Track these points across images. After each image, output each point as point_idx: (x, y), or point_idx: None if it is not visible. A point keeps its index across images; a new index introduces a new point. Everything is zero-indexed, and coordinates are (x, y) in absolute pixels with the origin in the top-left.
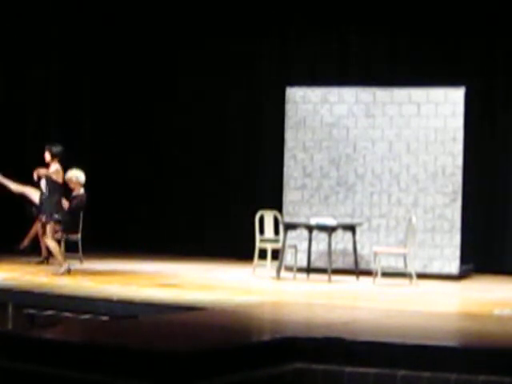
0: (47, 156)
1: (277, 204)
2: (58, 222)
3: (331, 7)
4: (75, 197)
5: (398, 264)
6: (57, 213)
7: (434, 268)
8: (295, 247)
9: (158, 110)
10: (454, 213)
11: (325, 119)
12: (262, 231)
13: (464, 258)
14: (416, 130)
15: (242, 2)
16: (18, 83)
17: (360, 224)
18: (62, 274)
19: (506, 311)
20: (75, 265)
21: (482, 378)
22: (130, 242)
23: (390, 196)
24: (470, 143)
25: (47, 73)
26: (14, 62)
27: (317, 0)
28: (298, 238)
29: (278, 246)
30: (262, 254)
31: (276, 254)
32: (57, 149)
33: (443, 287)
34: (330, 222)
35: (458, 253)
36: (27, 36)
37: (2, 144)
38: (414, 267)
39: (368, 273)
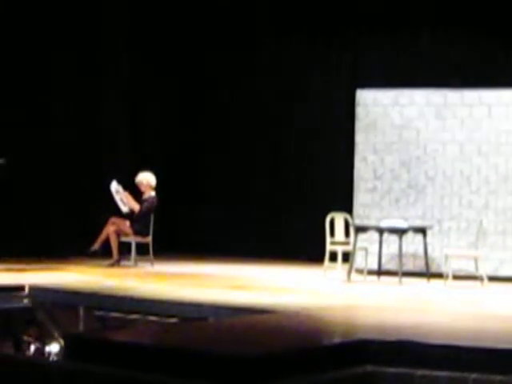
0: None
1: (347, 206)
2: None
3: (402, 8)
4: (146, 199)
5: (469, 267)
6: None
7: (505, 271)
8: (366, 250)
9: (232, 108)
10: None
11: (395, 121)
12: (332, 234)
13: None
14: (487, 132)
15: (315, 3)
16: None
17: (431, 226)
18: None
19: None
20: (146, 267)
21: None
22: (202, 244)
23: (460, 198)
24: None
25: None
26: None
27: (388, 1)
28: (368, 240)
29: (349, 248)
30: (333, 257)
31: (346, 257)
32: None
33: None
34: (401, 224)
35: None
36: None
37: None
38: (485, 270)
39: (439, 275)
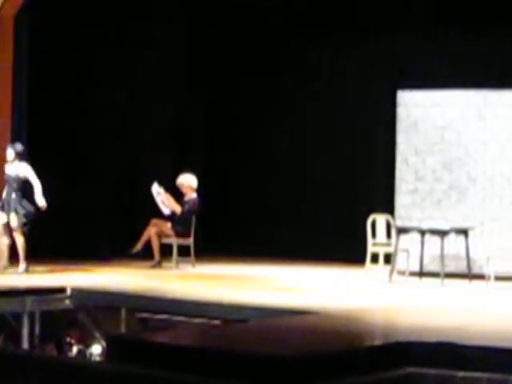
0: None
1: (389, 208)
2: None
3: (442, 8)
4: (187, 201)
5: (510, 268)
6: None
7: None
8: (407, 251)
9: (272, 108)
10: None
11: (436, 122)
12: (374, 235)
13: None
14: None
15: (353, 3)
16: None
17: (472, 227)
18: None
19: None
20: (187, 269)
21: None
22: (243, 245)
23: (502, 199)
24: None
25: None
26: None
27: (429, 1)
28: (410, 241)
29: (390, 249)
30: (374, 258)
31: (388, 258)
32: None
33: None
34: (443, 225)
35: None
36: None
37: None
38: None
39: (481, 277)
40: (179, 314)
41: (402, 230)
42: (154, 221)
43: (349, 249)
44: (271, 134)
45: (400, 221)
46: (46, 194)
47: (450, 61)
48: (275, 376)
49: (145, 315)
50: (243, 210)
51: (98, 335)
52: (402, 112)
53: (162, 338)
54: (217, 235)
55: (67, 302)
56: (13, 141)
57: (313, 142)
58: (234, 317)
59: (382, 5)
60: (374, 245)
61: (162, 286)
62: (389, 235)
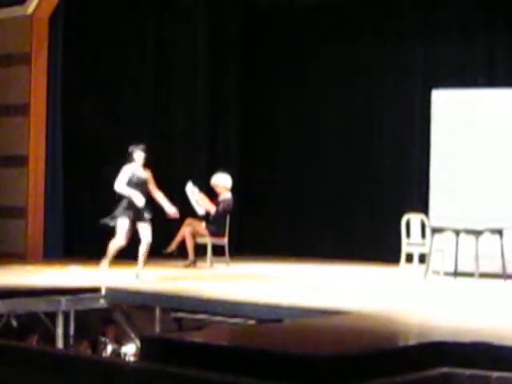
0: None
1: (424, 207)
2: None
3: (476, 6)
4: (222, 201)
5: None
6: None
7: None
8: (442, 251)
9: (305, 108)
10: None
11: (472, 121)
12: (408, 235)
13: None
14: None
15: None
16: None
17: (507, 227)
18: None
19: None
20: (222, 268)
21: None
22: (277, 245)
23: None
24: None
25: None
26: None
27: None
28: (444, 241)
29: (425, 249)
30: (409, 258)
31: (423, 258)
32: None
33: None
34: (477, 225)
35: None
36: None
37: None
38: None
39: None
40: (214, 314)
41: (436, 230)
42: (189, 220)
43: (383, 248)
44: (309, 135)
45: (435, 221)
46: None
47: (486, 59)
48: (310, 376)
49: (179, 315)
50: (278, 209)
51: (132, 335)
52: (436, 111)
53: (196, 337)
54: (251, 235)
55: (102, 301)
56: (53, 143)
57: (348, 142)
58: (269, 316)
59: (416, 2)
60: (409, 245)
61: (197, 285)
62: (423, 235)
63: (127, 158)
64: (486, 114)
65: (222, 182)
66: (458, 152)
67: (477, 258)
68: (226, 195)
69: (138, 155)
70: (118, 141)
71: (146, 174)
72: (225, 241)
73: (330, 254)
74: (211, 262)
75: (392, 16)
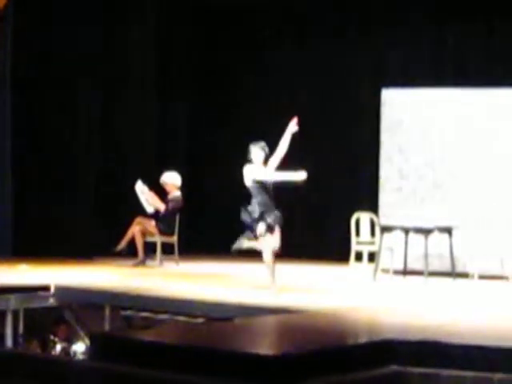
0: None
1: (373, 206)
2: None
3: (427, 7)
4: (171, 199)
5: (494, 266)
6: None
7: None
8: (391, 249)
9: (256, 111)
10: None
11: (420, 121)
12: (358, 233)
13: None
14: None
15: (343, 4)
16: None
17: (456, 226)
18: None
19: None
20: (171, 267)
21: None
22: (227, 243)
23: (485, 197)
24: None
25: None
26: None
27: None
28: (394, 240)
29: (374, 248)
30: (358, 257)
31: (372, 257)
32: None
33: None
34: (427, 224)
35: None
36: None
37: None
38: (510, 269)
39: (464, 275)
40: (163, 312)
41: (385, 229)
42: (138, 219)
43: (333, 247)
44: (256, 134)
45: (384, 219)
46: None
47: (434, 59)
48: (258, 375)
49: (129, 313)
50: (227, 207)
51: (81, 333)
52: (386, 110)
53: (145, 336)
54: (201, 233)
55: (51, 299)
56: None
57: (297, 140)
58: (218, 315)
59: (367, 3)
60: (358, 243)
61: (146, 283)
62: (373, 234)
63: (247, 158)
64: (435, 113)
65: (172, 180)
66: (407, 151)
67: (426, 256)
68: (175, 193)
69: (257, 154)
70: (67, 140)
71: (265, 174)
72: (174, 239)
73: (282, 252)
74: (161, 261)
75: (340, 15)
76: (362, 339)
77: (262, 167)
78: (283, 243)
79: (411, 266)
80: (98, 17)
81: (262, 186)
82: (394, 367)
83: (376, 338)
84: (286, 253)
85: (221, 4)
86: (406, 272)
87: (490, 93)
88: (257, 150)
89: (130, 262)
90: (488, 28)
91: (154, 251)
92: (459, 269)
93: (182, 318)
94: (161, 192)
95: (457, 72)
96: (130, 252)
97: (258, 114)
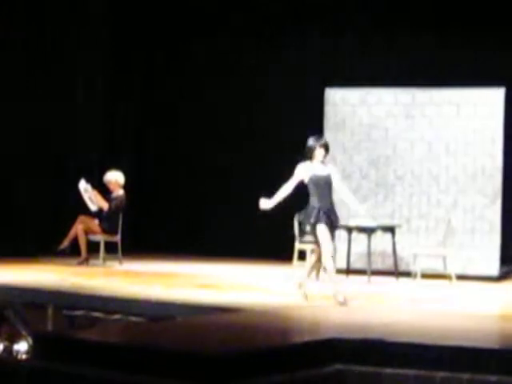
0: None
1: None
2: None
3: (370, 8)
4: (115, 198)
5: (437, 265)
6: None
7: (474, 269)
8: (334, 248)
9: (195, 111)
10: (494, 214)
11: (364, 120)
12: (301, 232)
13: (503, 260)
14: (455, 131)
15: (286, 4)
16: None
17: (399, 225)
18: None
19: None
20: (115, 266)
21: None
22: (169, 242)
23: (429, 197)
24: (509, 144)
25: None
26: None
27: (360, 1)
28: (337, 239)
29: None
30: (302, 256)
31: None
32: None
33: (483, 289)
34: (370, 223)
35: (497, 254)
36: None
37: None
38: (453, 268)
39: (407, 274)
40: (106, 312)
41: None
42: (82, 218)
43: (276, 246)
44: (199, 135)
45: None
46: None
47: (377, 59)
48: (203, 373)
49: (72, 312)
50: (170, 207)
51: (24, 332)
52: (329, 110)
53: (88, 335)
54: (144, 232)
55: None
56: None
57: (238, 141)
58: (161, 314)
59: (311, 4)
60: (301, 242)
61: (89, 283)
62: None
63: (305, 155)
64: (378, 113)
65: (115, 179)
66: (351, 150)
67: (369, 255)
68: (118, 192)
69: (318, 152)
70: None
71: (327, 171)
72: (117, 238)
73: (224, 252)
74: (104, 260)
75: (285, 14)
76: (305, 338)
77: (320, 166)
78: (223, 242)
79: (354, 264)
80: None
81: None
82: (337, 366)
83: (319, 336)
84: (229, 252)
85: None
86: (349, 271)
87: (432, 93)
88: (319, 149)
89: (74, 260)
90: (433, 31)
91: (98, 250)
92: (402, 268)
93: (124, 317)
94: (104, 191)
95: (399, 72)
96: (74, 251)
97: (202, 114)
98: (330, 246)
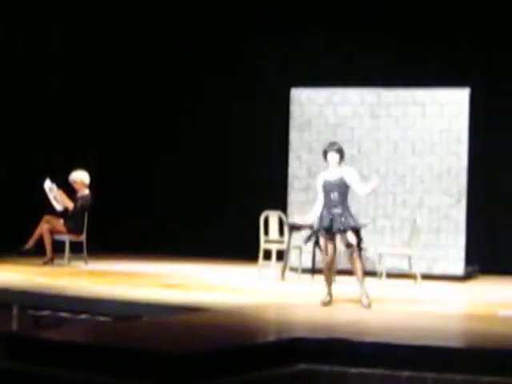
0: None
1: (282, 205)
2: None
3: (336, 8)
4: (80, 197)
5: (402, 265)
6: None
7: (439, 269)
8: (300, 248)
9: (160, 110)
10: (459, 214)
11: (329, 120)
12: (266, 232)
13: (469, 259)
14: (421, 131)
15: (247, 3)
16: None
17: (365, 225)
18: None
19: (510, 312)
20: (80, 265)
21: (486, 378)
22: (135, 242)
23: (394, 197)
24: (475, 144)
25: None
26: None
27: (321, 1)
28: (302, 238)
29: (283, 247)
30: (267, 255)
31: (281, 255)
32: None
33: (448, 288)
34: None
35: (462, 254)
36: None
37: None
38: (418, 268)
39: (373, 274)
40: (71, 311)
41: (294, 228)
42: (47, 217)
43: (242, 246)
44: (167, 133)
45: (293, 218)
46: None
47: (343, 59)
48: (169, 373)
49: (37, 312)
50: (137, 207)
51: None
52: (295, 110)
53: (54, 335)
54: (110, 232)
55: None
56: None
57: (206, 139)
58: (127, 313)
59: (276, 4)
60: (267, 242)
61: (54, 282)
62: (281, 232)
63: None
64: (344, 113)
65: (80, 178)
66: (316, 150)
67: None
68: (84, 192)
69: (331, 157)
70: None
71: (338, 175)
72: (83, 238)
73: (190, 251)
74: (69, 259)
75: (254, 13)
76: (270, 337)
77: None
78: (188, 242)
79: (320, 264)
80: None
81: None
82: (302, 365)
83: (284, 336)
84: (194, 251)
85: None
86: (314, 271)
87: (398, 93)
88: (332, 154)
89: (39, 260)
90: (399, 31)
91: (63, 250)
92: (368, 267)
93: (90, 317)
94: (70, 190)
95: (367, 72)
96: (39, 250)
97: (168, 115)
98: (324, 256)
